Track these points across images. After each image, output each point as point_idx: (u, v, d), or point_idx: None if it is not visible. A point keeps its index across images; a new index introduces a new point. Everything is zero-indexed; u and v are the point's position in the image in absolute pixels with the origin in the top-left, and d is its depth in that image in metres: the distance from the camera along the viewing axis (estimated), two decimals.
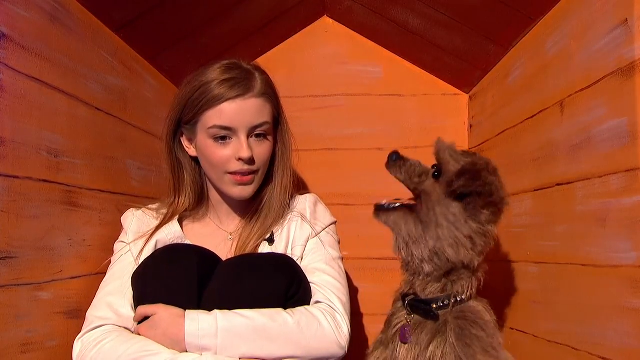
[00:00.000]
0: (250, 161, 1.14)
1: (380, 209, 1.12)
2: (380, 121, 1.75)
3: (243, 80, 1.14)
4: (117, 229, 1.21)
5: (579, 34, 1.01)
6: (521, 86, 1.29)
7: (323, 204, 1.29)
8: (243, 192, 1.17)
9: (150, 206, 1.24)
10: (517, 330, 1.26)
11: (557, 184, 1.07)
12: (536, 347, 1.14)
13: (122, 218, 1.21)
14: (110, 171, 1.22)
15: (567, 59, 1.05)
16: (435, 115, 1.74)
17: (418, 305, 1.08)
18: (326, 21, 1.78)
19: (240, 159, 1.13)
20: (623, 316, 0.84)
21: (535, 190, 1.18)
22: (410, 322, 1.08)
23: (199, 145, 1.17)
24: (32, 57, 0.94)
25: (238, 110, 1.12)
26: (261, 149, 1.17)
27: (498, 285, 1.42)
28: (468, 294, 1.08)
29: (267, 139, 1.18)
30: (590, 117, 0.96)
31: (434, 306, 1.06)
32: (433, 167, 1.10)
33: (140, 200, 1.30)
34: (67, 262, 1.05)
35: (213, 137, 1.13)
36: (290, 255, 1.15)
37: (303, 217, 1.21)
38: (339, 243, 1.26)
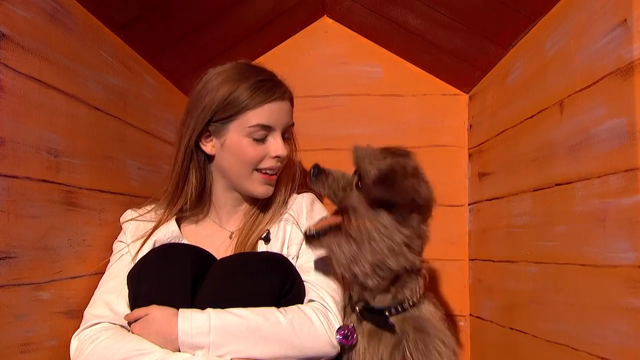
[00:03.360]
0: (285, 158, 1.20)
1: (310, 239, 1.09)
2: (380, 121, 1.75)
3: (279, 83, 1.20)
4: (117, 229, 1.21)
5: (579, 34, 1.01)
6: (521, 86, 1.29)
7: (320, 202, 1.30)
8: (268, 190, 1.21)
9: (147, 207, 1.24)
10: (516, 330, 1.26)
11: (557, 184, 1.07)
12: (535, 347, 1.14)
13: (121, 218, 1.22)
14: (110, 171, 1.22)
15: (566, 59, 1.05)
16: (435, 115, 1.74)
17: (371, 315, 1.07)
18: (326, 21, 1.78)
19: (277, 157, 1.18)
20: (622, 316, 0.84)
21: (534, 191, 1.18)
22: (363, 329, 1.07)
23: (230, 143, 1.17)
24: (32, 57, 0.94)
25: (279, 111, 1.18)
26: (288, 148, 1.22)
27: (497, 285, 1.42)
28: (418, 295, 1.07)
29: (290, 140, 1.25)
30: (589, 117, 0.96)
31: (387, 314, 1.06)
32: (354, 174, 1.08)
33: (140, 200, 1.30)
34: (67, 262, 1.05)
35: (252, 136, 1.16)
36: (285, 254, 1.16)
37: (299, 215, 1.22)
38: None
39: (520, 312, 1.24)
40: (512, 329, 1.28)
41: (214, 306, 1.00)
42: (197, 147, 1.20)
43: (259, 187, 1.20)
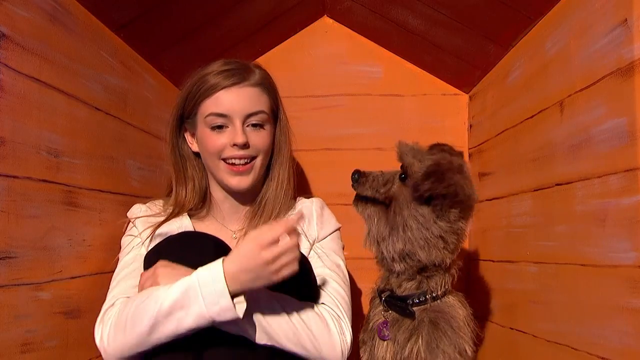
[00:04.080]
0: (245, 146, 1.14)
1: (359, 199, 1.15)
2: (380, 121, 1.75)
3: (239, 71, 1.17)
4: (117, 229, 1.21)
5: (579, 34, 1.01)
6: (521, 86, 1.29)
7: (329, 209, 1.29)
8: (241, 182, 1.17)
9: (155, 202, 1.25)
10: (516, 330, 1.26)
11: (557, 184, 1.07)
12: (535, 347, 1.14)
13: (128, 213, 1.21)
14: (110, 171, 1.22)
15: (566, 59, 1.05)
16: (435, 115, 1.74)
17: (394, 302, 1.10)
18: (326, 21, 1.78)
19: (234, 145, 1.14)
20: (622, 316, 0.84)
21: (534, 190, 1.18)
22: (388, 318, 1.09)
23: (199, 136, 1.19)
24: (32, 57, 0.94)
25: (233, 98, 1.15)
26: (258, 138, 1.17)
27: (497, 285, 1.42)
28: (443, 290, 1.09)
29: (264, 129, 1.19)
30: (589, 117, 0.96)
31: (410, 303, 1.07)
32: (401, 167, 1.12)
33: (140, 200, 1.30)
34: (67, 262, 1.05)
35: (210, 126, 1.15)
36: None
37: (309, 223, 1.21)
38: (343, 248, 1.27)
39: (520, 312, 1.24)
40: (512, 329, 1.28)
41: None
42: (187, 146, 1.24)
43: (229, 179, 1.16)
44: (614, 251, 0.87)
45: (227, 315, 0.90)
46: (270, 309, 0.98)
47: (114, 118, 1.24)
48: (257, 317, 0.97)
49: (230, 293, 0.89)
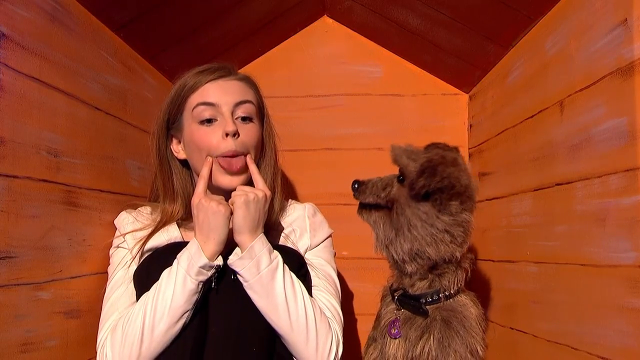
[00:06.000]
0: (235, 135, 1.11)
1: (363, 207, 1.16)
2: (380, 121, 1.75)
3: (222, 67, 1.18)
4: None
5: (579, 34, 1.01)
6: (521, 86, 1.29)
7: (321, 214, 1.28)
8: (232, 182, 1.12)
9: (141, 209, 1.21)
10: (516, 330, 1.26)
11: (557, 184, 1.07)
12: (536, 347, 1.15)
13: (115, 221, 1.19)
14: (110, 171, 1.22)
15: (566, 59, 1.05)
16: (435, 115, 1.74)
17: (407, 301, 1.10)
18: (326, 21, 1.78)
19: (226, 134, 1.10)
20: (622, 316, 0.84)
21: (534, 190, 1.18)
22: (400, 317, 1.10)
23: (186, 137, 1.15)
24: (32, 57, 0.94)
25: (220, 88, 1.14)
26: (247, 131, 1.14)
27: (497, 285, 1.42)
28: (456, 287, 1.10)
29: (253, 122, 1.17)
30: (589, 117, 0.96)
31: (423, 301, 1.08)
32: (399, 170, 1.12)
33: (140, 200, 1.30)
34: (67, 262, 1.05)
35: (199, 121, 1.13)
36: None
37: (302, 233, 1.20)
38: (335, 255, 1.27)
39: (520, 312, 1.24)
40: (512, 328, 1.28)
41: (235, 284, 1.04)
42: (173, 157, 1.21)
43: (222, 178, 1.12)
44: (614, 251, 0.87)
45: (197, 258, 1.00)
46: (281, 297, 1.02)
47: (114, 118, 1.24)
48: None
49: (202, 247, 1.02)
